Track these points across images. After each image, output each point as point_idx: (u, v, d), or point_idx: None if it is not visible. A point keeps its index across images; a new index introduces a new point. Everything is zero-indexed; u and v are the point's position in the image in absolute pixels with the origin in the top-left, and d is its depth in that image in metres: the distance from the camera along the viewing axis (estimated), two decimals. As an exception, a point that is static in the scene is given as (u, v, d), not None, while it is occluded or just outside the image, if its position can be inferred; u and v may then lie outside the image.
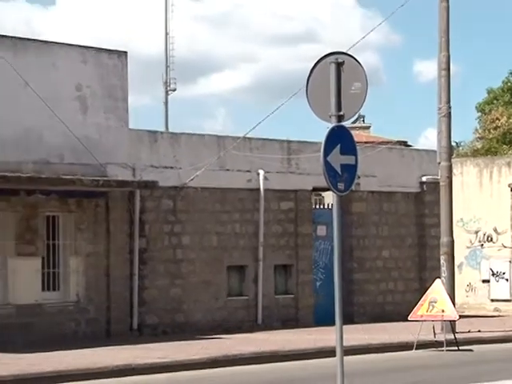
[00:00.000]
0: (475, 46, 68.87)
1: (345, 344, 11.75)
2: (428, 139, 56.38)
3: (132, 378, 18.72)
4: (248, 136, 27.89)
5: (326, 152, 11.74)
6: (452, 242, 26.77)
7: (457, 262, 29.32)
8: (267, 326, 27.68)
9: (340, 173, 11.94)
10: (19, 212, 24.14)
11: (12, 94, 23.52)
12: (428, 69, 79.32)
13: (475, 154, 40.42)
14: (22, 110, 23.73)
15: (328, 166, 11.76)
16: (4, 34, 25.51)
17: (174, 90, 46.11)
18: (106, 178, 24.93)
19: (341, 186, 11.96)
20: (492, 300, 36.01)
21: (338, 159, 11.87)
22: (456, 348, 23.41)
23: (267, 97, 75.92)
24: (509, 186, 35.93)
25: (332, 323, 12.70)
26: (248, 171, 28.41)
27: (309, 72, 12.21)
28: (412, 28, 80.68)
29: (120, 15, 72.63)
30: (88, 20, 71.51)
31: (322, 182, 12.75)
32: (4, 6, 73.02)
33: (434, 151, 29.13)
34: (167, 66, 44.46)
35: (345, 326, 11.86)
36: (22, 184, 23.49)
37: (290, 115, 68.61)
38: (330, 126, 11.91)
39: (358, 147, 12.35)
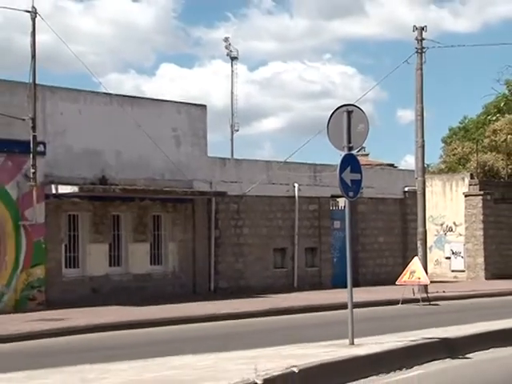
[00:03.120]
0: (440, 96, 72.02)
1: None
2: (407, 162, 59.60)
3: (213, 323, 19.53)
4: (287, 161, 29.26)
5: (341, 171, 12.57)
6: (425, 231, 28.02)
7: (428, 245, 29.94)
8: (300, 289, 28.68)
9: (350, 185, 12.74)
10: (135, 213, 25.49)
11: (130, 134, 24.71)
12: (406, 115, 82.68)
13: (440, 172, 40.97)
14: (137, 144, 24.94)
15: (342, 181, 12.58)
16: (124, 94, 27.28)
17: (237, 130, 47.63)
18: (192, 190, 26.36)
19: (351, 194, 12.82)
20: (452, 271, 36.94)
21: (348, 176, 12.69)
22: (428, 303, 24.44)
23: (299, 134, 79.66)
24: (463, 193, 36.99)
25: (344, 286, 13.69)
26: (287, 184, 29.67)
27: (328, 117, 12.93)
28: (395, 87, 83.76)
29: (201, 80, 77.11)
30: (179, 84, 75.59)
31: (337, 191, 13.95)
32: (121, 77, 77.36)
33: (412, 170, 30.52)
34: (232, 114, 45.71)
35: (353, 288, 12.61)
36: (136, 194, 25.02)
37: (315, 147, 73.30)
38: (343, 153, 12.73)
39: (361, 168, 13.08)
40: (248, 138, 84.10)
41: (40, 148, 22.64)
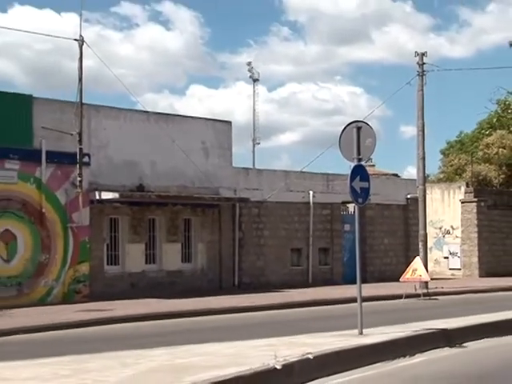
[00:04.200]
0: (439, 113, 71.77)
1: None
2: (410, 172, 59.23)
3: (236, 315, 19.38)
4: (302, 171, 29.08)
5: (351, 180, 12.54)
6: (425, 234, 27.77)
7: (428, 246, 29.69)
8: (314, 284, 28.40)
9: (359, 192, 12.67)
10: (168, 216, 25.40)
11: (164, 147, 24.70)
12: (408, 130, 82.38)
13: (439, 181, 40.61)
14: (170, 156, 24.90)
15: (352, 189, 12.53)
16: (159, 111, 27.27)
17: (259, 143, 46.85)
18: (218, 196, 26.31)
19: (360, 200, 12.77)
20: (450, 269, 36.53)
21: (358, 184, 12.63)
22: (428, 298, 24.24)
23: (313, 147, 79.67)
24: (460, 200, 36.68)
25: (353, 282, 13.29)
26: (303, 191, 29.54)
27: (340, 132, 12.91)
28: (398, 106, 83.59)
29: (226, 99, 77.39)
30: (207, 103, 75.84)
31: (348, 197, 13.80)
32: (156, 97, 77.91)
33: (414, 179, 30.42)
34: (254, 129, 44.94)
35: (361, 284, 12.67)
36: (170, 199, 24.89)
37: (327, 158, 73.45)
38: (353, 164, 12.68)
39: (369, 177, 12.98)
40: (268, 150, 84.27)
41: (85, 159, 22.78)
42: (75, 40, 22.64)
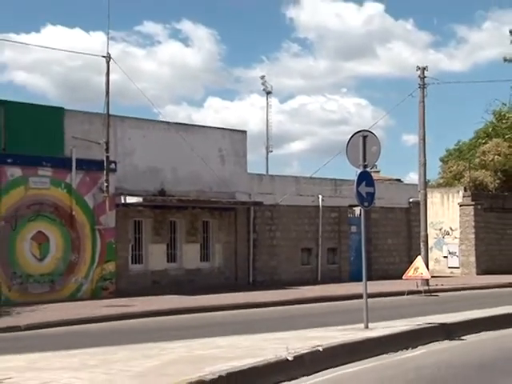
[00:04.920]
0: (439, 123, 71.57)
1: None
2: (411, 178, 59.06)
3: (251, 310, 19.29)
4: (312, 176, 28.86)
5: (357, 185, 12.48)
6: (426, 235, 27.56)
7: (429, 246, 29.47)
8: (323, 282, 28.26)
9: (365, 197, 12.62)
10: (187, 219, 25.33)
11: (185, 155, 24.62)
12: (410, 139, 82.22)
13: (439, 186, 40.32)
14: (189, 163, 24.78)
15: (358, 193, 12.48)
16: (179, 122, 27.18)
17: (271, 151, 45.93)
18: (234, 200, 26.25)
19: (366, 204, 12.69)
20: (449, 267, 36.28)
21: (364, 189, 12.57)
22: (429, 294, 24.04)
23: (321, 155, 79.61)
24: (458, 204, 36.47)
25: (360, 280, 13.24)
26: (312, 196, 29.32)
27: (347, 141, 12.83)
28: (401, 116, 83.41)
29: (241, 110, 77.42)
30: (223, 114, 75.87)
31: (354, 201, 13.70)
32: (176, 108, 78.14)
33: (416, 184, 30.24)
34: (267, 138, 44.41)
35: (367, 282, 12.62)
36: (189, 203, 24.81)
37: (335, 165, 73.20)
38: (359, 170, 12.63)
39: (374, 182, 12.95)
40: (280, 157, 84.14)
41: (112, 166, 22.83)
42: (103, 57, 22.80)
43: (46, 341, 13.59)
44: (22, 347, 12.34)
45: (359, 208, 15.74)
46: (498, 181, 40.04)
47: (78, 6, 70.98)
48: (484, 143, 43.08)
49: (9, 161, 20.64)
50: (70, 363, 9.61)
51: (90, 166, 22.37)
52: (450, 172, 42.97)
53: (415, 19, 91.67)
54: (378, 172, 43.22)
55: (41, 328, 15.64)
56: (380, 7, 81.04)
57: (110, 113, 22.70)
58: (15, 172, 20.80)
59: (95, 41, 62.10)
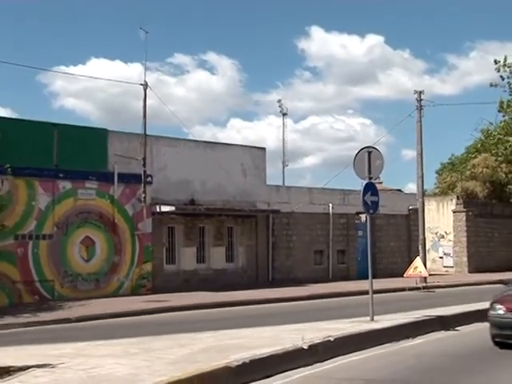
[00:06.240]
0: (434, 139, 71.21)
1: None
2: (410, 188, 58.89)
3: (270, 305, 19.10)
4: (323, 187, 28.75)
5: (364, 194, 12.36)
6: (424, 238, 27.76)
7: (427, 248, 29.73)
8: (333, 280, 28.03)
9: (370, 205, 12.50)
10: (214, 225, 25.31)
11: (211, 169, 24.46)
12: (408, 153, 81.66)
13: (435, 195, 39.70)
14: (216, 176, 24.62)
15: (364, 202, 12.37)
16: (206, 140, 26.95)
17: (287, 165, 44.71)
18: (255, 208, 26.14)
19: (371, 211, 12.63)
20: (444, 266, 35.82)
21: (369, 198, 12.44)
22: (427, 290, 23.80)
23: (331, 168, 79.37)
24: (452, 210, 36.12)
25: (366, 278, 13.12)
26: (324, 204, 29.10)
27: (354, 156, 12.77)
28: (400, 134, 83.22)
29: (259, 130, 77.34)
30: (243, 133, 75.83)
31: (361, 209, 13.47)
32: (202, 128, 78.34)
33: (414, 194, 30.35)
34: (283, 154, 43.40)
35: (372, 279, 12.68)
36: (216, 211, 24.53)
37: (343, 177, 72.93)
38: (365, 182, 12.57)
39: (378, 192, 12.82)
40: (294, 171, 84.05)
41: (148, 179, 22.83)
42: (141, 84, 22.88)
43: (93, 331, 13.65)
44: (73, 336, 12.41)
45: (365, 215, 15.70)
46: (486, 190, 39.81)
47: (117, 41, 71.67)
48: (474, 157, 42.79)
49: (61, 175, 20.77)
50: (113, 351, 9.64)
51: (130, 180, 22.37)
52: (445, 183, 42.71)
53: (411, 49, 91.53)
54: (381, 183, 42.83)
55: (88, 320, 15.70)
56: (380, 39, 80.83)
57: (147, 133, 22.77)
58: (66, 185, 20.94)
59: (132, 71, 62.56)
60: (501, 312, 10.51)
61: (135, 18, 69.73)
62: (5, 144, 18.38)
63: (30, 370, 7.91)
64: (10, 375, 7.56)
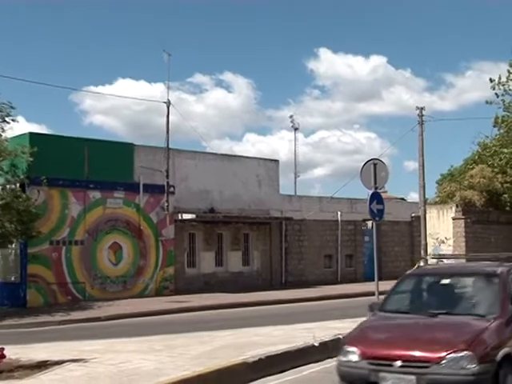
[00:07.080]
0: (435, 151, 70.91)
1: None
2: (413, 197, 58.50)
3: (283, 305, 19.02)
4: (332, 196, 28.41)
5: (370, 203, 12.35)
6: (426, 243, 27.70)
7: (428, 252, 28.38)
8: (342, 282, 27.89)
9: (376, 212, 12.44)
10: (231, 231, 24.70)
11: (229, 180, 24.49)
12: (410, 165, 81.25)
13: (435, 203, 39.21)
14: (233, 186, 24.62)
15: (371, 209, 12.35)
16: (223, 153, 26.74)
17: (299, 176, 44.02)
18: (269, 216, 25.93)
19: (377, 218, 12.59)
20: None
21: (375, 206, 12.41)
22: None
23: (339, 179, 79.23)
24: (451, 218, 35.59)
25: (372, 280, 13.13)
26: (333, 212, 28.75)
27: (361, 167, 12.68)
28: (403, 146, 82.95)
29: (272, 143, 77.25)
30: (258, 146, 75.74)
31: (367, 216, 13.55)
32: (220, 142, 78.65)
33: (417, 202, 30.12)
34: (295, 165, 42.70)
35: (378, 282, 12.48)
36: (233, 219, 24.48)
37: (351, 187, 72.61)
38: (371, 191, 12.49)
39: (383, 201, 12.77)
40: (305, 181, 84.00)
41: (171, 189, 22.80)
42: (163, 102, 23.02)
43: (121, 329, 13.69)
44: (103, 334, 12.48)
45: (371, 221, 15.67)
46: (483, 199, 39.55)
47: (142, 62, 72.16)
48: (471, 168, 42.49)
49: (91, 186, 20.88)
50: (140, 347, 9.65)
51: (154, 190, 22.34)
52: (444, 192, 42.40)
53: (412, 68, 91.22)
54: (386, 192, 42.70)
55: (116, 319, 15.79)
56: (383, 59, 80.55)
57: (169, 146, 22.81)
58: (96, 195, 21.06)
59: (155, 90, 62.85)
60: (353, 358, 6.52)
61: (158, 42, 70.31)
62: (41, 158, 18.56)
63: (65, 364, 8.03)
64: (46, 368, 7.73)
